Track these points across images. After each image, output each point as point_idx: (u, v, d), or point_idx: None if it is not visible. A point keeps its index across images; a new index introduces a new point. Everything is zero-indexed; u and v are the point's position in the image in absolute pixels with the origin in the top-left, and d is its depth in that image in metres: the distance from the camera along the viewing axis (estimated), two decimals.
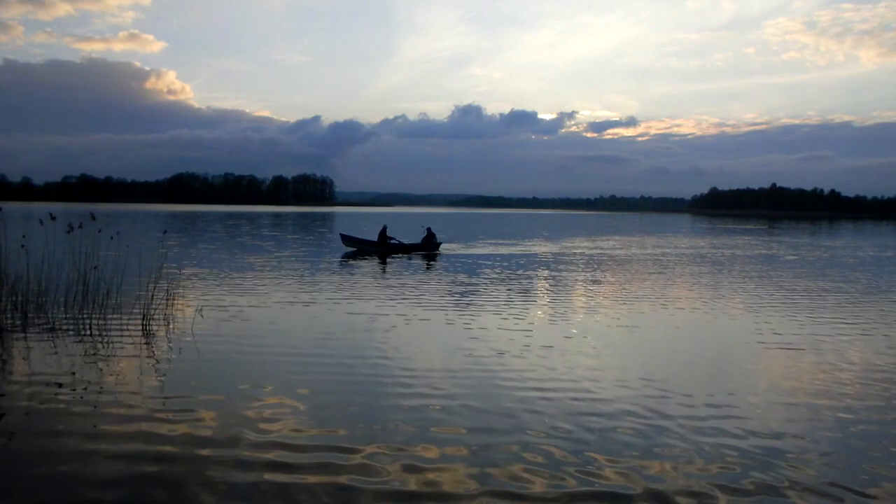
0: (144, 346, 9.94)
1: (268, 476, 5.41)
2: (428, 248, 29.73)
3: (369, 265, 23.26)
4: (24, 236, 11.76)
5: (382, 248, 29.45)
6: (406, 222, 61.39)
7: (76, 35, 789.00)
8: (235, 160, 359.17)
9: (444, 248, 31.28)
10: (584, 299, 15.84)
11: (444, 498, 5.11)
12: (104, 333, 10.72)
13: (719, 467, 5.71)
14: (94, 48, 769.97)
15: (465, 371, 8.77)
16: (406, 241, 30.81)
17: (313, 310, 13.51)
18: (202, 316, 12.27)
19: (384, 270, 21.66)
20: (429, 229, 30.73)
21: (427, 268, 22.68)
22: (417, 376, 8.48)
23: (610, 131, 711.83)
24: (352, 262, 24.62)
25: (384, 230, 30.27)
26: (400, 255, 28.23)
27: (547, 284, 18.69)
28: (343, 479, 5.38)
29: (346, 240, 30.69)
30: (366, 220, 70.48)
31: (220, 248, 29.81)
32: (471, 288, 17.30)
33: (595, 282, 19.44)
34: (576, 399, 7.59)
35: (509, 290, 17.06)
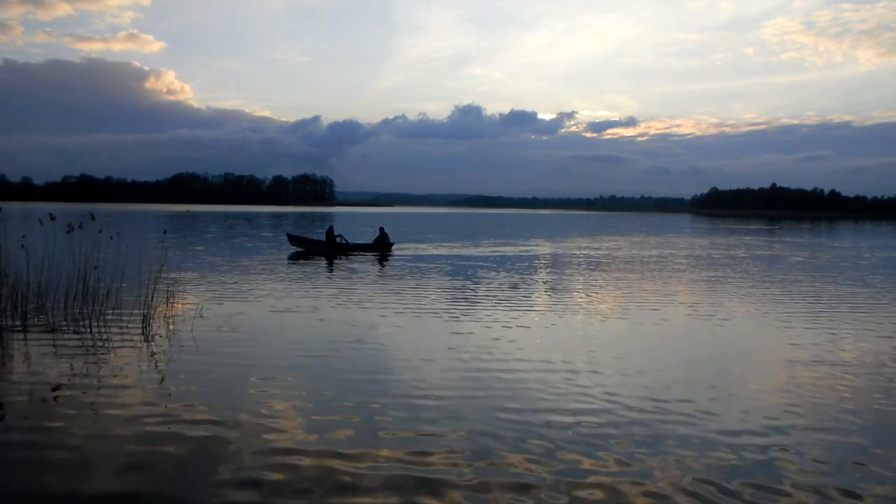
0: (144, 348, 9.86)
1: (267, 481, 5.34)
2: (380, 249, 28.88)
3: (369, 267, 23.17)
4: (23, 236, 11.68)
5: (331, 249, 28.47)
6: (393, 223, 61.34)
7: (76, 35, 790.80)
8: (235, 160, 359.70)
9: (398, 247, 30.43)
10: (582, 301, 15.75)
11: (444, 501, 5.04)
12: (104, 334, 10.65)
13: (716, 473, 5.65)
14: (93, 48, 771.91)
15: (465, 373, 8.70)
16: (353, 242, 29.91)
17: (313, 311, 13.43)
18: (202, 317, 12.18)
19: (382, 272, 21.57)
20: (381, 229, 30.09)
21: (381, 269, 22.21)
22: (417, 376, 8.41)
23: (610, 131, 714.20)
24: (348, 263, 24.51)
25: (331, 230, 29.52)
26: (362, 255, 27.35)
27: (545, 286, 18.61)
28: (344, 480, 5.32)
29: (293, 240, 29.75)
30: (366, 220, 70.38)
31: (220, 250, 29.76)
32: (471, 291, 17.24)
33: (595, 284, 19.37)
34: (573, 401, 7.52)
35: (508, 292, 16.98)
